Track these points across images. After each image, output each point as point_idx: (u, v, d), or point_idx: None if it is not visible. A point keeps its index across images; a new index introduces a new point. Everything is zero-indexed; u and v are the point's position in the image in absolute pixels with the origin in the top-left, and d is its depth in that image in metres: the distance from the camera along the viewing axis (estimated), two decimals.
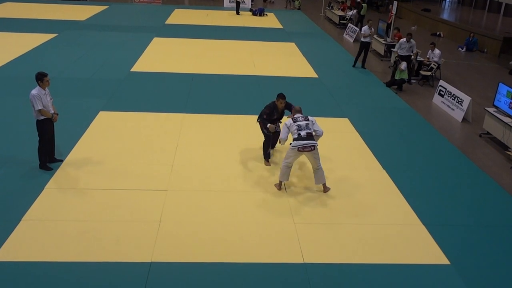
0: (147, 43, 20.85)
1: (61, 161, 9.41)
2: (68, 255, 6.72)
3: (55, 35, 21.42)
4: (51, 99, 9.02)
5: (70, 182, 8.74)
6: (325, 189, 8.85)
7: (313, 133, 8.51)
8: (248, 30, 25.70)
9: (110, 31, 23.22)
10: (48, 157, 9.23)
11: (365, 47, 18.28)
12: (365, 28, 18.24)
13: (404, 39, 16.80)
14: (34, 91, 8.69)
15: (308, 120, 8.58)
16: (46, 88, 8.89)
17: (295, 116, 8.68)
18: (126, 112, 12.34)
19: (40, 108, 8.68)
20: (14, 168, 9.09)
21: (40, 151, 9.06)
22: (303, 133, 8.36)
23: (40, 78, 8.77)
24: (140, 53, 18.96)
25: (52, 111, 8.99)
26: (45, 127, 8.95)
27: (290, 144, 8.42)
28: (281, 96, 9.49)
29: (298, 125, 8.45)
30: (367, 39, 18.20)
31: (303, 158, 9.28)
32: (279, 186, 8.87)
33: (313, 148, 8.34)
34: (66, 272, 6.38)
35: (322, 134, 8.77)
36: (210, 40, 22.15)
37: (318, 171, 8.64)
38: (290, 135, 8.56)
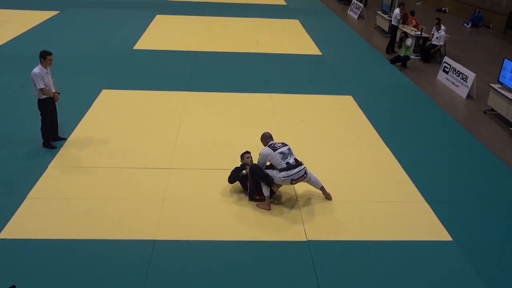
0: (150, 20, 20.70)
1: (65, 139, 9.42)
2: (72, 233, 6.76)
3: (57, 12, 21.27)
4: (52, 78, 8.98)
5: (74, 161, 8.76)
6: (326, 195, 7.83)
7: None
8: (251, 7, 25.45)
9: (113, 8, 23.04)
10: (52, 136, 9.25)
11: (396, 31, 18.01)
12: (397, 10, 17.90)
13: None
14: (35, 70, 8.63)
15: (287, 145, 7.56)
16: (48, 67, 8.85)
17: (270, 143, 7.55)
18: (129, 91, 12.31)
19: (42, 87, 8.64)
20: (17, 147, 9.11)
21: (43, 129, 9.06)
22: (291, 160, 7.29)
23: (44, 56, 8.69)
24: (142, 30, 18.83)
25: (54, 90, 8.97)
26: (47, 106, 8.93)
27: (280, 173, 7.28)
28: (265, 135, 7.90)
29: (281, 153, 7.32)
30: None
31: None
32: (267, 205, 7.52)
33: (305, 176, 7.38)
34: (70, 250, 6.43)
35: None
36: (213, 17, 21.97)
37: (310, 181, 7.64)
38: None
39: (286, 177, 7.24)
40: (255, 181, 7.51)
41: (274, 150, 7.36)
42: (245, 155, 8.01)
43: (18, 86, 12.07)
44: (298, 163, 7.35)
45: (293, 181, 7.34)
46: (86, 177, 8.20)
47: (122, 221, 7.07)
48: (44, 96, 8.79)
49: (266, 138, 7.72)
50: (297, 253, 6.59)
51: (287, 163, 7.27)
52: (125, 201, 7.56)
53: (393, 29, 18.13)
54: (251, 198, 7.70)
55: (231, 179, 7.92)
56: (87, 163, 8.69)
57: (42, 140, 9.11)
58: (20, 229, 6.80)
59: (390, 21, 20.39)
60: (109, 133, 9.81)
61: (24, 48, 15.66)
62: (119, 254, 6.41)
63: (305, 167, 7.43)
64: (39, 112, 8.97)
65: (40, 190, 7.78)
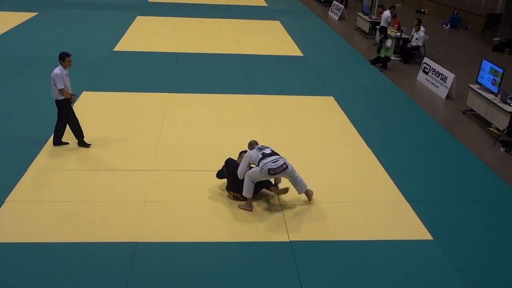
0: (130, 21, 20.57)
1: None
2: (53, 236, 6.69)
3: (36, 13, 21.02)
4: (69, 79, 9.04)
5: (54, 163, 8.66)
6: (309, 197, 7.82)
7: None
8: (232, 8, 25.44)
9: (92, 9, 22.84)
10: (78, 140, 9.30)
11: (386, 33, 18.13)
12: (387, 13, 18.12)
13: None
14: (56, 70, 8.72)
15: (268, 147, 7.64)
16: (67, 69, 8.91)
17: (252, 146, 7.74)
18: (109, 92, 12.22)
19: (61, 87, 8.70)
20: None
21: (57, 128, 9.13)
22: (267, 150, 7.41)
23: (63, 57, 8.80)
24: (123, 32, 18.70)
25: (71, 92, 9.04)
26: (63, 107, 8.97)
27: (257, 166, 7.27)
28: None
29: (258, 149, 7.50)
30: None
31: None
32: (249, 206, 7.56)
33: (285, 166, 7.27)
34: (50, 253, 6.36)
35: None
36: (194, 19, 21.92)
37: (296, 181, 7.61)
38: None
39: (263, 165, 7.15)
40: (231, 175, 7.71)
41: (253, 149, 7.57)
42: (242, 154, 7.98)
43: None
44: (274, 153, 7.44)
45: (271, 171, 7.15)
46: (67, 180, 8.12)
47: (103, 224, 7.01)
48: (62, 97, 8.83)
49: (251, 145, 7.83)
50: (280, 254, 6.61)
51: (263, 153, 7.36)
52: (106, 204, 7.50)
53: (382, 30, 18.29)
54: (228, 190, 7.92)
55: (219, 175, 8.05)
56: (68, 165, 8.61)
57: (54, 139, 9.18)
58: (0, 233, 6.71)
59: (370, 22, 20.63)
60: (89, 135, 9.70)
61: (3, 49, 15.41)
62: (101, 257, 6.35)
63: (283, 157, 7.42)
64: (58, 114, 9.01)
65: (20, 193, 7.67)
